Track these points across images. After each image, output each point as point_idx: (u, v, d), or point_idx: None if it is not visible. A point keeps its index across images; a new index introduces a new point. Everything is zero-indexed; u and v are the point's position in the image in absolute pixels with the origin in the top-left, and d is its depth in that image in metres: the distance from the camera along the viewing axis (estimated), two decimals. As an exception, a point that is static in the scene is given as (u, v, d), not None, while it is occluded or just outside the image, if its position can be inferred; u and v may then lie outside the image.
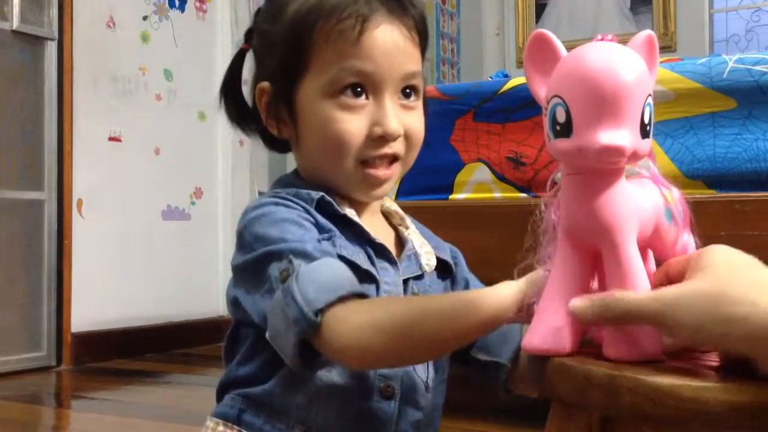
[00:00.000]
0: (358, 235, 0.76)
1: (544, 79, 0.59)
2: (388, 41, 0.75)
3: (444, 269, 0.83)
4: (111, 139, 2.94)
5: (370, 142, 0.75)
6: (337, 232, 0.73)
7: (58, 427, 2.06)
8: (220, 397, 0.78)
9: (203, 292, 3.26)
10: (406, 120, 0.76)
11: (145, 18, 3.04)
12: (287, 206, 0.73)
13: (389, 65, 0.75)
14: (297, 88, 0.77)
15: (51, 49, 2.76)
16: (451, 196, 1.94)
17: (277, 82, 0.78)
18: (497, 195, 1.88)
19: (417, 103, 0.79)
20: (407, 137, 0.77)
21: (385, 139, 0.75)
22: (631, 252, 0.57)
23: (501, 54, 4.88)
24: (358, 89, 0.74)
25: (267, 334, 0.67)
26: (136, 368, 2.75)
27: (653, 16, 4.47)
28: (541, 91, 0.59)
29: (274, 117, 0.80)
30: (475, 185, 1.92)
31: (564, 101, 0.55)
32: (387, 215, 0.85)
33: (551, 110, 0.56)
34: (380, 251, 0.76)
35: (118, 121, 2.93)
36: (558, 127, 0.56)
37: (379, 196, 0.80)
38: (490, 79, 2.58)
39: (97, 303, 2.85)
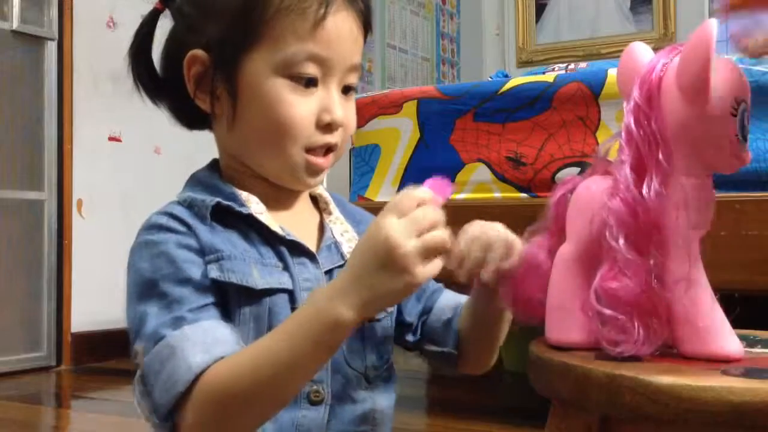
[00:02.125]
0: (266, 234, 0.73)
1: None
2: (345, 29, 0.73)
3: None
4: (111, 139, 2.94)
5: (316, 129, 0.73)
6: (226, 250, 0.70)
7: (58, 427, 2.06)
8: None
9: (203, 292, 3.25)
10: (346, 111, 0.75)
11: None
12: (170, 230, 0.71)
13: (342, 54, 0.73)
14: (241, 61, 0.72)
15: (51, 49, 2.76)
16: (451, 196, 1.94)
17: (217, 52, 0.73)
18: (497, 195, 1.88)
19: (352, 98, 0.77)
20: (345, 128, 0.75)
21: (331, 127, 0.73)
22: None
23: (501, 54, 4.88)
24: (312, 79, 0.72)
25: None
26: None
27: (653, 16, 4.47)
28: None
29: (208, 90, 0.74)
30: (475, 185, 1.92)
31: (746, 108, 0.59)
32: (315, 199, 0.82)
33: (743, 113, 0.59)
34: (294, 247, 0.74)
35: (118, 121, 2.93)
36: (744, 132, 0.59)
37: (315, 184, 0.78)
38: (490, 79, 2.58)
39: (97, 303, 2.85)
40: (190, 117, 0.80)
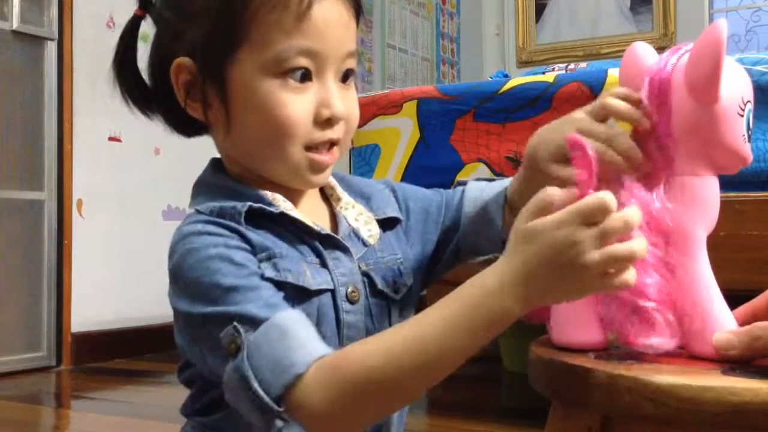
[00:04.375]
0: (301, 231, 0.71)
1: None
2: (334, 16, 0.69)
3: (391, 221, 0.79)
4: (111, 139, 2.94)
5: (315, 126, 0.69)
6: (276, 248, 0.67)
7: (58, 427, 2.06)
8: (183, 413, 0.78)
9: (203, 292, 3.25)
10: (346, 102, 0.71)
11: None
12: (211, 234, 0.66)
13: (335, 43, 0.69)
14: (228, 65, 0.69)
15: (51, 49, 2.76)
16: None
17: (202, 58, 0.69)
18: (497, 195, 1.88)
19: (352, 85, 0.73)
20: (347, 121, 0.71)
21: (331, 122, 0.69)
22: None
23: (501, 54, 4.88)
24: (305, 72, 0.68)
25: (227, 397, 0.63)
26: (136, 368, 2.75)
27: (653, 16, 4.47)
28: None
29: (198, 98, 0.71)
30: (475, 185, 1.92)
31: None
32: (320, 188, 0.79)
33: (749, 114, 0.59)
34: (328, 241, 0.72)
35: (118, 121, 2.92)
36: (749, 132, 0.58)
37: (322, 182, 0.74)
38: (490, 79, 2.58)
39: (97, 303, 2.85)
40: (186, 125, 0.77)
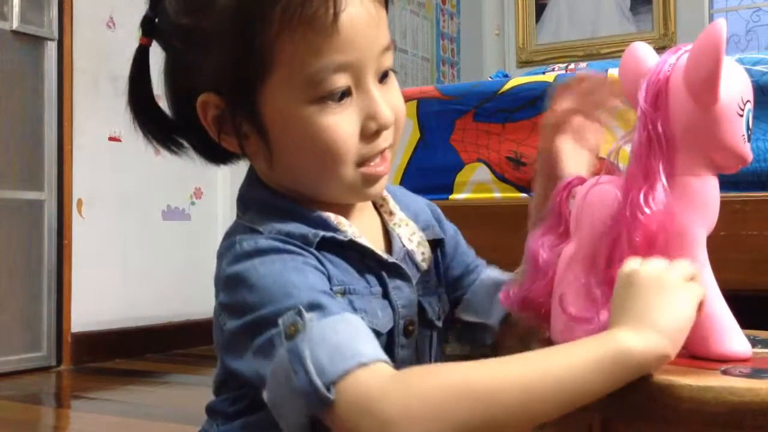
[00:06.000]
0: (367, 257, 0.66)
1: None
2: (363, 18, 0.62)
3: (435, 242, 0.75)
4: (111, 139, 2.94)
5: (363, 140, 0.64)
6: (348, 282, 0.63)
7: (58, 427, 2.06)
8: (209, 411, 0.72)
9: (203, 292, 3.25)
10: (391, 104, 0.66)
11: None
12: (286, 251, 0.60)
13: (367, 46, 0.62)
14: (259, 96, 0.62)
15: (51, 49, 2.76)
16: (451, 196, 1.94)
17: (228, 92, 0.63)
18: (497, 195, 1.88)
19: (393, 80, 0.68)
20: (395, 122, 0.67)
21: (379, 133, 0.65)
22: None
23: (501, 54, 4.88)
24: (344, 89, 0.62)
25: (265, 396, 0.56)
26: (136, 368, 2.75)
27: (653, 16, 4.47)
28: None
29: (232, 132, 0.65)
30: (475, 185, 1.92)
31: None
32: None
33: (748, 113, 0.59)
34: (392, 270, 0.67)
35: (118, 121, 2.92)
36: (749, 132, 0.59)
37: (379, 193, 0.69)
38: (490, 79, 2.58)
39: (97, 303, 2.85)
40: (219, 154, 0.70)
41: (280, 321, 0.55)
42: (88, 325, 2.80)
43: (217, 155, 0.71)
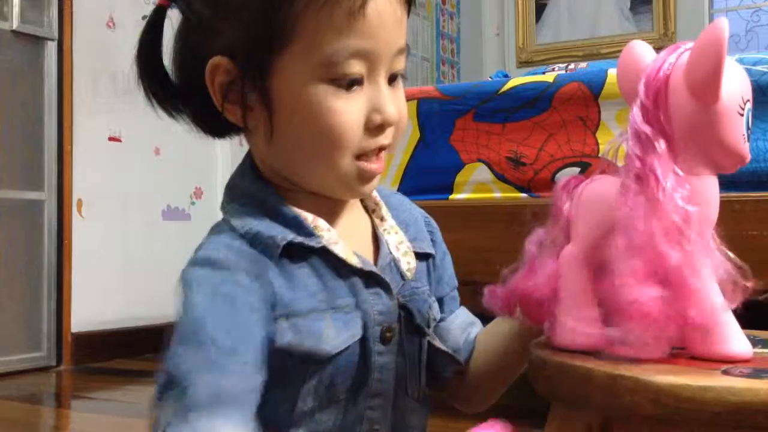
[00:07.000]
0: (341, 265, 0.65)
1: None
2: (388, 11, 0.63)
3: (424, 255, 0.75)
4: (111, 139, 2.94)
5: (366, 132, 0.64)
6: (300, 300, 0.62)
7: (58, 427, 2.06)
8: None
9: (203, 292, 3.25)
10: (397, 105, 0.66)
11: (144, 18, 3.03)
12: (230, 269, 0.61)
13: (387, 40, 0.63)
14: (273, 67, 0.62)
15: (51, 49, 2.76)
16: (451, 196, 1.94)
17: (243, 59, 0.63)
18: (497, 195, 1.88)
19: (400, 85, 0.68)
20: (396, 125, 0.66)
21: (382, 127, 0.64)
22: None
23: (501, 54, 4.88)
24: (357, 77, 0.63)
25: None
26: (136, 368, 2.75)
27: (653, 16, 4.47)
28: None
29: (237, 101, 0.64)
30: (475, 185, 1.92)
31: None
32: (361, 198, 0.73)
33: (748, 113, 0.60)
34: (369, 277, 0.67)
35: (118, 120, 2.93)
36: (749, 132, 0.59)
37: (370, 192, 0.69)
38: (490, 79, 2.58)
39: (97, 303, 2.85)
40: (217, 126, 0.70)
41: (158, 373, 0.59)
42: (88, 325, 2.81)
43: (214, 128, 0.71)
